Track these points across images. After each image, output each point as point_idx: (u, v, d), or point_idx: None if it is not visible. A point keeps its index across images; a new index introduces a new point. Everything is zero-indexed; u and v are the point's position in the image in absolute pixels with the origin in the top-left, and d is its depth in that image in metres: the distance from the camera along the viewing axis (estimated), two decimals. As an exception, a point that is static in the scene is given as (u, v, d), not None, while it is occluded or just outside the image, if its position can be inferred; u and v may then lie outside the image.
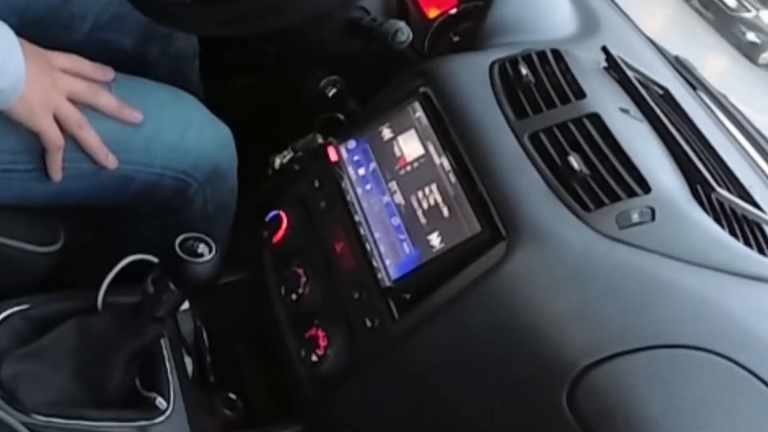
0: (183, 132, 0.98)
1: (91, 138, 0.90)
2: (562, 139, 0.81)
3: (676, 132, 0.87)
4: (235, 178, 1.07)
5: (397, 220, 0.81)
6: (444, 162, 0.81)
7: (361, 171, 0.87)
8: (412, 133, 0.85)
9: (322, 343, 0.81)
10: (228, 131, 1.04)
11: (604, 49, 0.96)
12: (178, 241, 0.78)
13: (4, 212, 0.92)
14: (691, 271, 0.76)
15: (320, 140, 1.10)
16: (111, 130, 0.93)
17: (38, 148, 0.88)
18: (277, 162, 1.14)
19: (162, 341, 0.85)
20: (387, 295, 0.79)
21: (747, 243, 0.82)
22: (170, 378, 0.83)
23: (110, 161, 0.92)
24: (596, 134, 0.81)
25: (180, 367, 0.86)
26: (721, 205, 0.83)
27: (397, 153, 0.85)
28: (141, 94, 0.97)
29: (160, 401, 0.81)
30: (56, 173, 0.90)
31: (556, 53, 0.91)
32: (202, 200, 1.01)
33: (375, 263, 0.81)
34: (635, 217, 0.75)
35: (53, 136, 0.88)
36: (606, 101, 0.86)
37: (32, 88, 0.84)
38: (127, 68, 1.00)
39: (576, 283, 0.73)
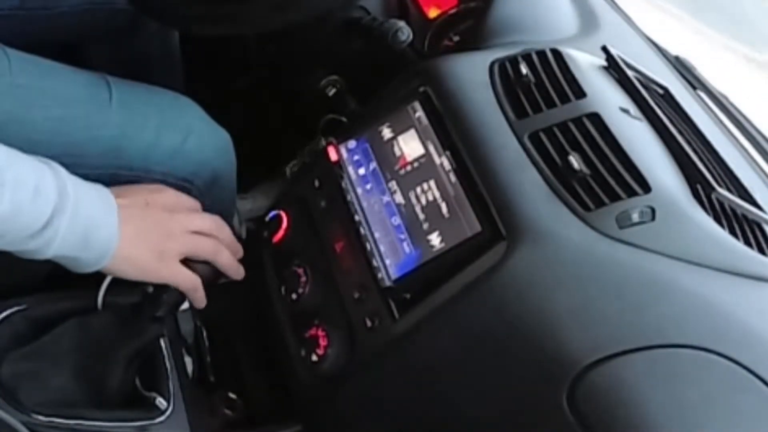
0: (183, 138, 0.98)
1: (225, 258, 0.86)
2: (562, 139, 0.81)
3: (676, 132, 0.87)
4: (234, 184, 1.07)
5: (397, 220, 0.81)
6: (444, 162, 0.81)
7: (361, 171, 0.87)
8: (412, 132, 0.85)
9: (322, 343, 0.81)
10: (228, 137, 1.04)
11: (604, 49, 0.96)
12: (178, 241, 0.78)
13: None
14: (691, 271, 0.76)
15: (324, 143, 1.10)
16: (111, 137, 0.93)
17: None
18: (288, 171, 1.14)
19: (162, 341, 0.85)
20: (387, 295, 0.79)
21: (747, 243, 0.82)
22: (170, 378, 0.83)
23: (240, 273, 0.88)
24: (596, 134, 0.81)
25: (180, 367, 0.86)
26: (721, 204, 0.83)
27: (397, 153, 0.85)
28: (142, 100, 0.97)
29: (160, 401, 0.81)
30: (202, 304, 0.85)
31: (556, 53, 0.91)
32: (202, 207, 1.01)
33: (375, 263, 0.81)
34: (635, 217, 0.75)
35: (184, 281, 0.82)
36: (606, 101, 0.86)
37: (139, 250, 0.79)
38: (120, 27, 0.98)
39: (576, 283, 0.73)
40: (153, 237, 0.80)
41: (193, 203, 0.88)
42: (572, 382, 0.69)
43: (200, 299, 0.84)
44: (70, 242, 0.73)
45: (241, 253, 0.88)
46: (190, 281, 0.82)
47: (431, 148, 0.83)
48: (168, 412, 0.80)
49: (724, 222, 0.81)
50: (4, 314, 0.81)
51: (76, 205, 0.73)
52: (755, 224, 0.86)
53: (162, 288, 0.80)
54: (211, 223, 0.86)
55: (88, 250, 0.75)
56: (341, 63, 1.15)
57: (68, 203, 0.72)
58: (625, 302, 0.73)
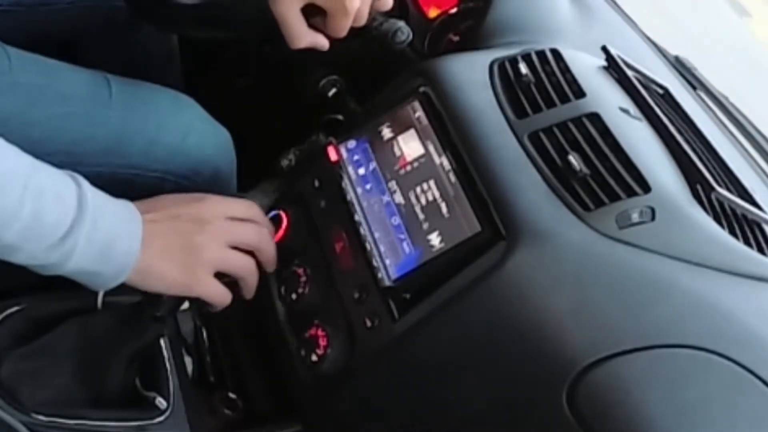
0: (183, 136, 0.98)
1: (252, 283, 0.84)
2: (561, 139, 0.81)
3: (676, 131, 0.87)
4: (234, 183, 1.07)
5: (397, 220, 0.81)
6: (444, 161, 0.81)
7: (361, 171, 0.87)
8: (412, 132, 0.85)
9: (322, 343, 0.81)
10: (228, 135, 1.04)
11: (604, 49, 0.96)
12: (178, 240, 0.78)
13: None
14: (691, 271, 0.76)
15: (323, 140, 1.10)
16: (111, 135, 0.93)
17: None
18: (284, 164, 1.14)
19: (162, 341, 0.85)
20: (387, 295, 0.79)
21: (747, 243, 0.82)
22: (170, 378, 0.83)
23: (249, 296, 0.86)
24: (596, 134, 0.81)
25: (180, 366, 0.86)
26: (721, 204, 0.83)
27: (397, 153, 0.85)
28: (141, 98, 0.97)
29: (160, 401, 0.81)
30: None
31: (556, 53, 0.91)
32: None
33: (375, 263, 0.81)
34: (635, 217, 0.75)
35: (215, 296, 0.80)
36: (606, 101, 0.86)
37: (165, 264, 0.77)
38: (120, 25, 0.99)
39: (576, 283, 0.73)
40: (179, 251, 0.77)
41: (243, 210, 0.85)
42: (572, 382, 0.69)
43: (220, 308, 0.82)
44: (89, 254, 0.72)
45: (273, 267, 0.87)
46: (220, 297, 0.80)
47: (431, 148, 0.83)
48: (168, 412, 0.80)
49: (724, 222, 0.81)
50: (4, 314, 0.81)
51: (95, 216, 0.72)
52: (755, 224, 0.87)
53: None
54: (253, 236, 0.83)
55: (108, 263, 0.73)
56: (341, 63, 1.15)
57: (87, 213, 0.71)
58: (625, 302, 0.73)
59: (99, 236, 0.72)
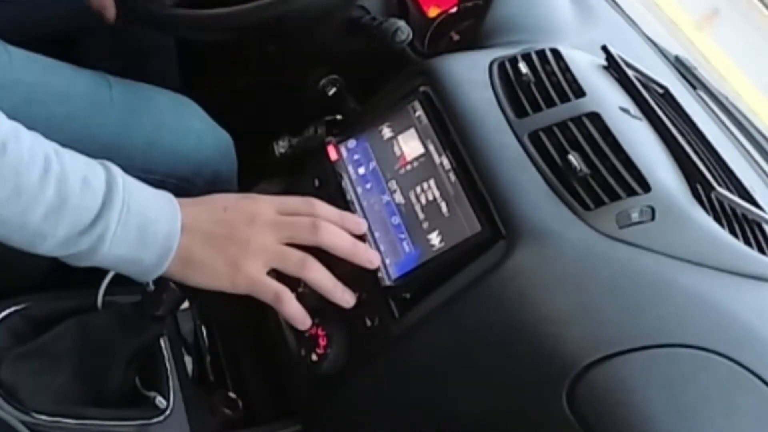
0: (183, 138, 0.98)
1: (318, 276, 0.77)
2: (561, 138, 0.81)
3: (676, 131, 0.87)
4: (235, 184, 1.07)
5: (397, 219, 0.81)
6: (444, 161, 0.81)
7: (361, 170, 0.87)
8: (412, 132, 0.85)
9: (322, 342, 0.81)
10: (228, 138, 1.04)
11: (604, 48, 0.96)
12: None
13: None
14: (691, 271, 0.76)
15: (321, 134, 1.09)
16: (111, 136, 0.93)
17: None
18: (280, 151, 1.13)
19: (162, 340, 0.85)
20: (387, 295, 0.79)
21: (747, 242, 0.82)
22: (170, 377, 0.83)
23: (346, 298, 0.78)
24: (596, 133, 0.81)
25: (180, 366, 0.86)
26: (721, 204, 0.83)
27: (397, 152, 0.85)
28: (142, 100, 0.98)
29: (160, 400, 0.81)
30: (296, 313, 0.77)
31: (556, 52, 0.91)
32: None
33: (375, 262, 0.80)
34: (635, 216, 0.75)
35: (264, 292, 0.75)
36: (606, 100, 0.86)
37: (209, 256, 0.73)
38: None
39: (576, 283, 0.73)
40: (224, 241, 0.74)
41: (301, 205, 0.79)
42: (572, 381, 0.69)
43: (292, 312, 0.77)
44: (124, 239, 0.70)
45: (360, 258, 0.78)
46: (270, 293, 0.75)
47: (431, 148, 0.83)
48: (168, 412, 0.80)
49: (724, 221, 0.81)
50: (4, 314, 0.81)
51: (128, 199, 0.70)
52: (755, 224, 0.87)
53: (162, 287, 0.80)
54: (308, 231, 0.76)
55: (146, 248, 0.71)
56: (341, 62, 1.15)
57: (118, 196, 0.69)
58: (625, 302, 0.73)
59: (133, 220, 0.70)
